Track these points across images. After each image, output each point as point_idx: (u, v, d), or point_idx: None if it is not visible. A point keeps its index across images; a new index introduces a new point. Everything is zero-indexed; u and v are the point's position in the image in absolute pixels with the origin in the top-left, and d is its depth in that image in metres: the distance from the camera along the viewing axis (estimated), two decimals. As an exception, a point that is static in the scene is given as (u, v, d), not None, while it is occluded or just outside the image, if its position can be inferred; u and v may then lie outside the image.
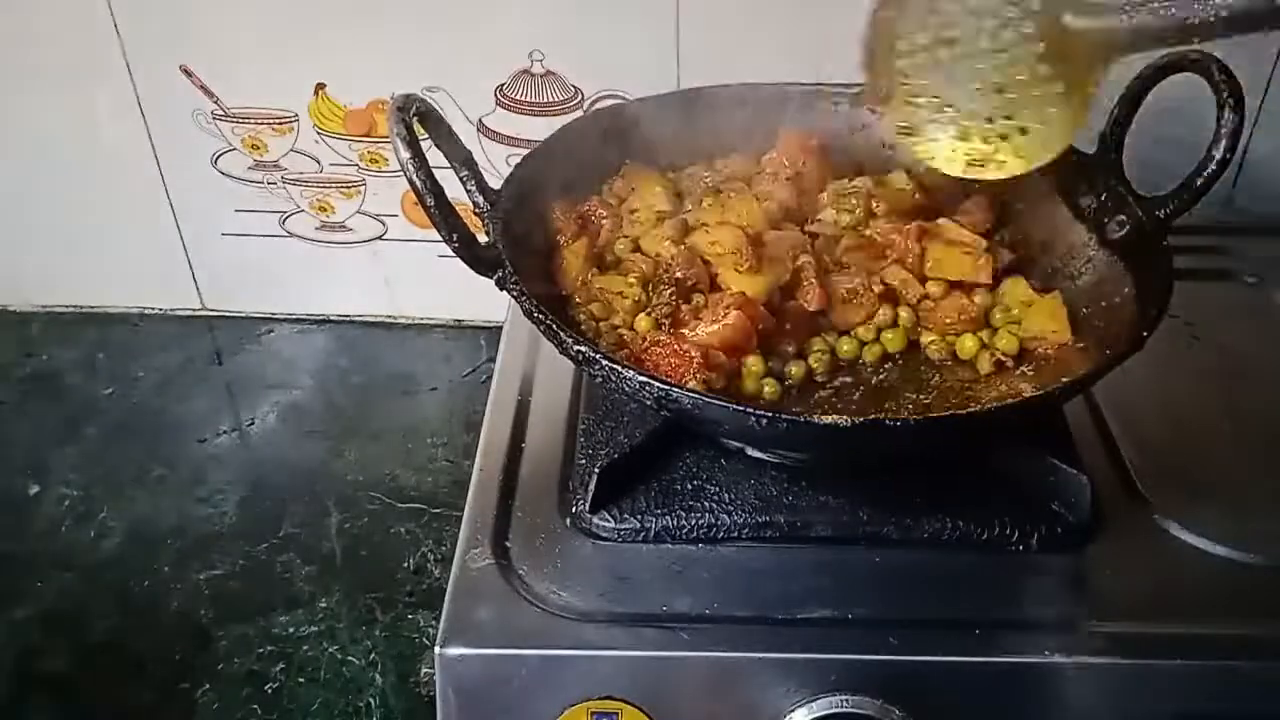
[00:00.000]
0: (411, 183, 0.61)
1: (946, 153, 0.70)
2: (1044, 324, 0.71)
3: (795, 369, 0.70)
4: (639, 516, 0.67)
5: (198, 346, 1.12)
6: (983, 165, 0.69)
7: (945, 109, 0.68)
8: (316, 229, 1.09)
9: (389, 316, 1.15)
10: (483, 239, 0.67)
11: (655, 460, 0.69)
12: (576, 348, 0.62)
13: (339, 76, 1.00)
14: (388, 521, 0.93)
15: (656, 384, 0.60)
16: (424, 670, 0.80)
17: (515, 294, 0.65)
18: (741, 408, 0.60)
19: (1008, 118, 0.67)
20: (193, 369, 1.10)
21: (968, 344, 0.72)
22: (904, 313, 0.73)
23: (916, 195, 0.78)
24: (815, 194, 0.79)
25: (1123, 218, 0.74)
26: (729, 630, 0.62)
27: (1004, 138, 0.68)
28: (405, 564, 0.90)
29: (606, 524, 0.67)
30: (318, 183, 1.06)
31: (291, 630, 0.84)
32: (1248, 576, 0.65)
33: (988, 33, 0.66)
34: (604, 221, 0.76)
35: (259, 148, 1.04)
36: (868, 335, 0.73)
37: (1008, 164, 0.68)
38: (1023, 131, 0.67)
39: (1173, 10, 0.61)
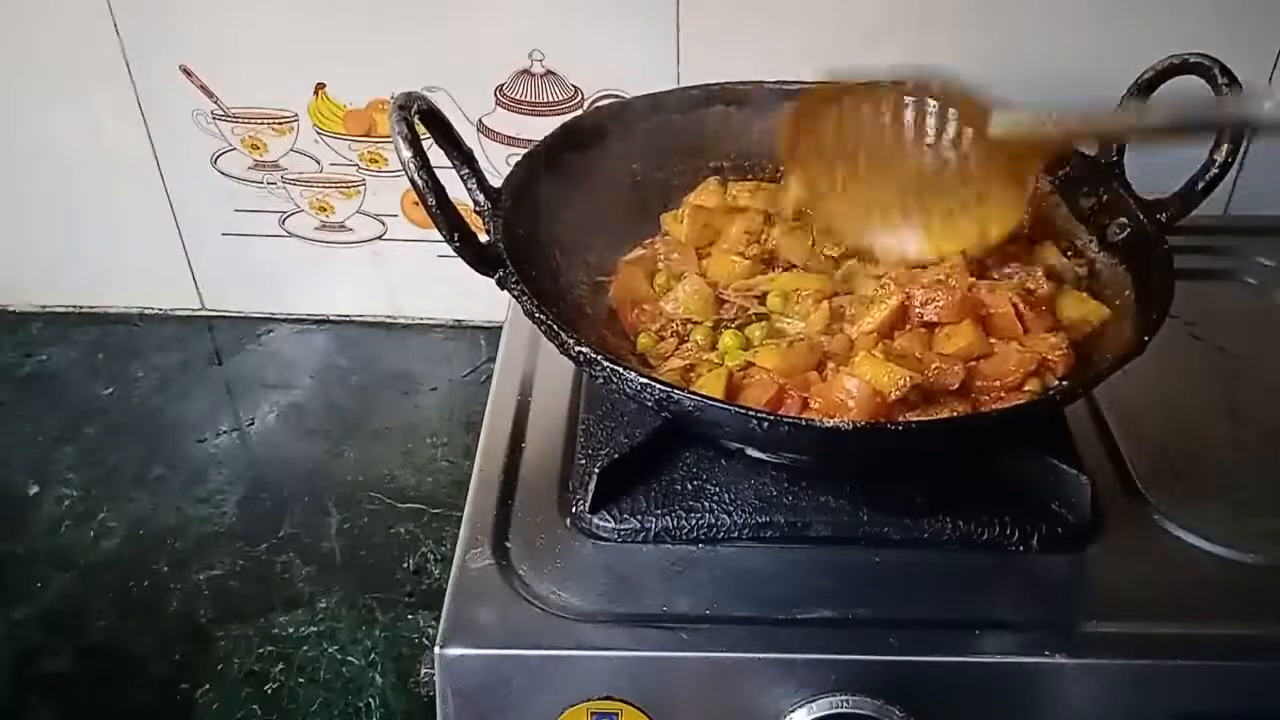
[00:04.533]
0: (413, 181, 0.61)
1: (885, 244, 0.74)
2: (1075, 312, 0.71)
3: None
4: (639, 516, 0.67)
5: (198, 346, 1.12)
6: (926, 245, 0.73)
7: (876, 210, 0.74)
8: (316, 229, 1.09)
9: (389, 316, 1.15)
10: (483, 238, 0.67)
11: (655, 460, 0.69)
12: (577, 348, 0.62)
13: (339, 76, 1.00)
14: (388, 521, 0.93)
15: (658, 385, 0.60)
16: (424, 670, 0.80)
17: (516, 293, 0.65)
18: (743, 410, 0.60)
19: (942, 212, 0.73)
20: (192, 369, 1.10)
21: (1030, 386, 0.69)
22: None
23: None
24: None
25: (1124, 220, 0.74)
26: (729, 630, 0.62)
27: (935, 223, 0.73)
28: (405, 564, 0.89)
29: (606, 524, 0.67)
30: (318, 183, 1.06)
31: (291, 630, 0.84)
32: (1248, 576, 0.65)
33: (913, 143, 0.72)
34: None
35: (259, 148, 1.04)
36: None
37: (946, 247, 0.72)
38: (954, 218, 0.72)
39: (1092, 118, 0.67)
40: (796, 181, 0.76)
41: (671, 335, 0.74)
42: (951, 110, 0.71)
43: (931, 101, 0.71)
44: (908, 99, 0.71)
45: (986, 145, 0.70)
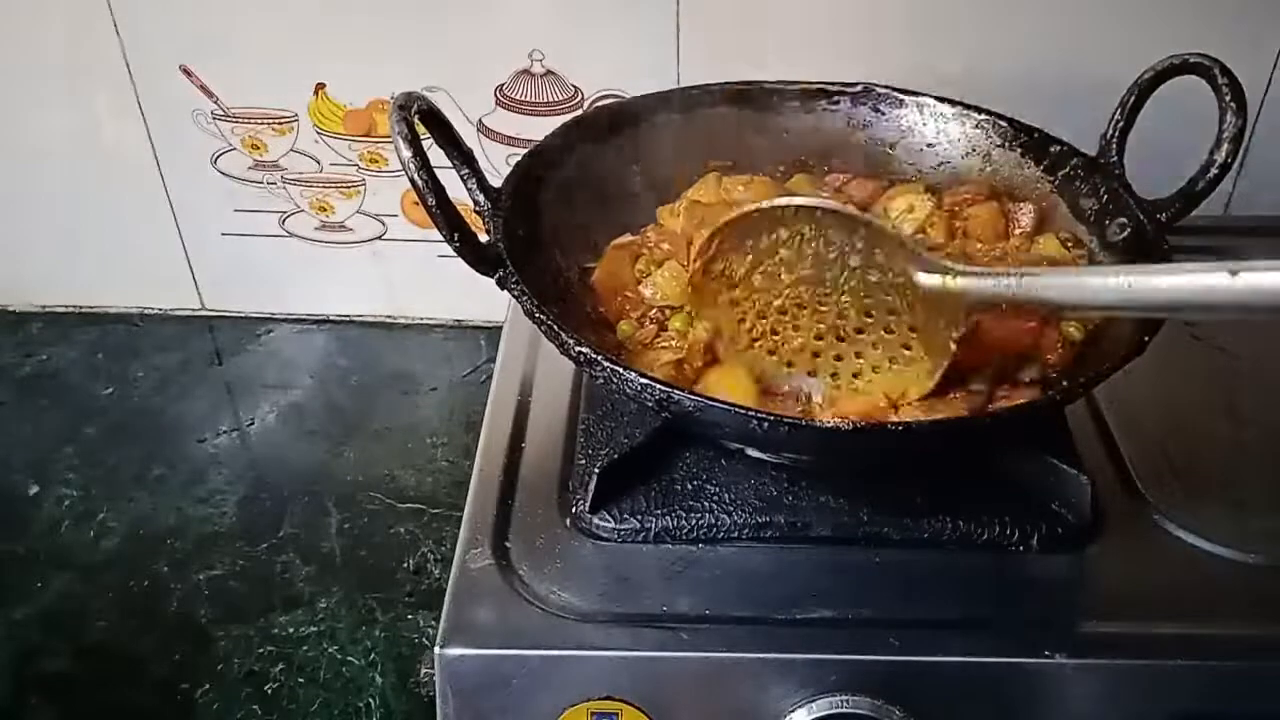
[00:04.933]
0: (413, 181, 0.61)
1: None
2: None
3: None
4: (639, 516, 0.67)
5: (198, 346, 1.12)
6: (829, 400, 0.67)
7: (778, 345, 0.67)
8: (316, 229, 1.09)
9: (389, 316, 1.15)
10: (484, 238, 0.67)
11: (655, 460, 0.69)
12: (577, 348, 0.62)
13: (339, 76, 1.00)
14: (388, 521, 0.93)
15: (658, 386, 0.60)
16: (424, 670, 0.80)
17: (516, 293, 0.65)
18: (742, 410, 0.60)
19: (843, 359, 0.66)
20: (193, 369, 1.10)
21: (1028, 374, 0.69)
22: None
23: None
24: None
25: (1124, 220, 0.73)
26: (729, 630, 0.61)
27: (857, 375, 0.67)
28: (405, 564, 0.90)
29: (606, 524, 0.67)
30: (318, 183, 1.06)
31: (291, 630, 0.84)
32: (1248, 576, 0.65)
33: (835, 280, 0.65)
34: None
35: (259, 148, 1.04)
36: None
37: (859, 398, 0.66)
38: (875, 371, 0.66)
39: (1022, 283, 0.59)
40: (701, 323, 0.70)
41: (650, 323, 0.73)
42: (878, 251, 0.63)
43: (861, 241, 0.64)
44: (847, 237, 0.64)
45: (912, 298, 0.63)
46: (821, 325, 0.66)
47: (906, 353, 0.65)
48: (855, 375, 0.66)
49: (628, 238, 0.79)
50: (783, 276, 0.66)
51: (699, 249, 0.68)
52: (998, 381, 0.67)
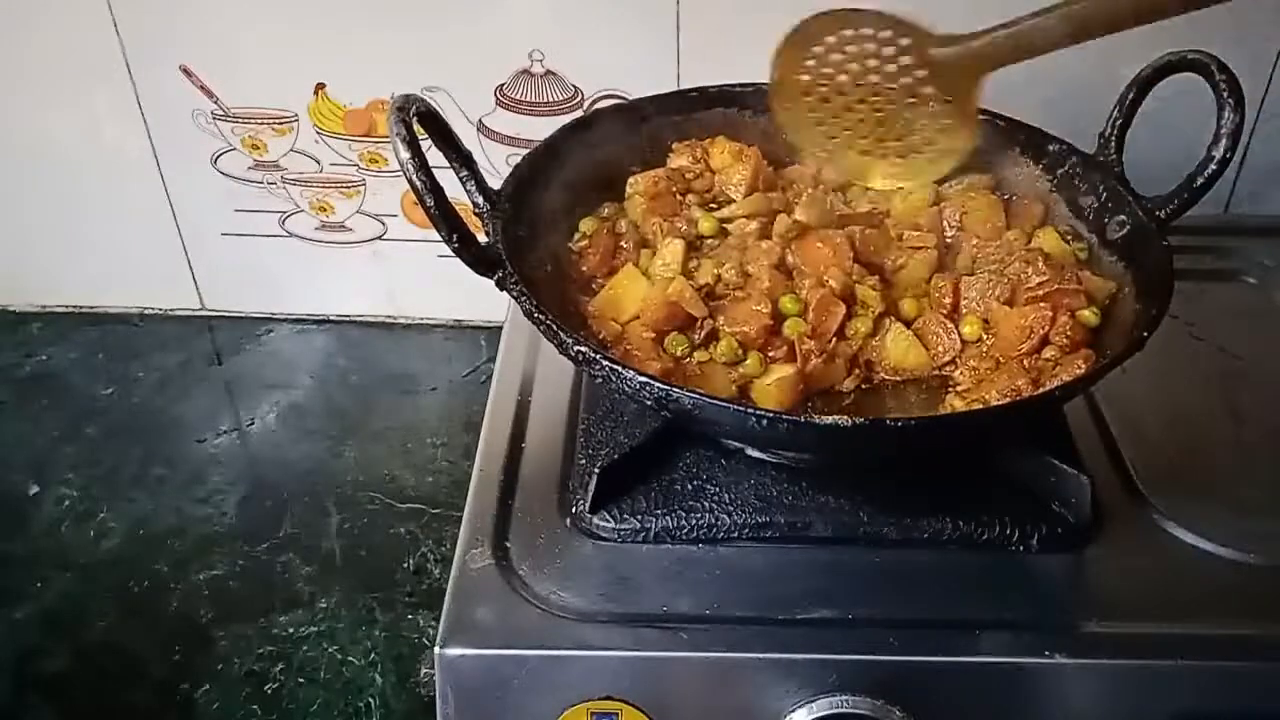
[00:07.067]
0: (411, 183, 0.61)
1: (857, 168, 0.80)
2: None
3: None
4: (639, 516, 0.67)
5: (198, 346, 1.12)
6: (892, 177, 0.79)
7: (847, 138, 0.78)
8: (316, 229, 1.09)
9: (389, 316, 1.15)
10: (482, 239, 0.67)
11: (655, 460, 0.69)
12: (577, 348, 0.62)
13: (339, 76, 1.00)
14: (388, 521, 0.93)
15: (657, 384, 0.60)
16: (424, 670, 0.80)
17: (515, 294, 0.65)
18: (741, 408, 0.60)
19: (901, 140, 0.77)
20: (192, 369, 1.10)
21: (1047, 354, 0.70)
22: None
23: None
24: None
25: (1123, 218, 0.74)
26: (729, 630, 0.62)
27: (902, 157, 0.78)
28: (405, 564, 0.90)
29: (606, 524, 0.67)
30: (318, 183, 1.06)
31: (291, 630, 0.84)
32: (1248, 576, 0.65)
33: (873, 72, 0.76)
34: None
35: (259, 148, 1.04)
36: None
37: (912, 177, 0.78)
38: (919, 150, 0.77)
39: (1016, 28, 0.69)
40: (781, 115, 0.79)
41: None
42: (905, 40, 0.74)
43: (889, 33, 0.74)
44: (878, 32, 0.74)
45: (936, 76, 0.74)
46: (878, 114, 0.77)
47: (945, 123, 0.75)
48: (901, 157, 0.77)
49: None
50: (839, 78, 0.77)
51: (776, 66, 0.77)
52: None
